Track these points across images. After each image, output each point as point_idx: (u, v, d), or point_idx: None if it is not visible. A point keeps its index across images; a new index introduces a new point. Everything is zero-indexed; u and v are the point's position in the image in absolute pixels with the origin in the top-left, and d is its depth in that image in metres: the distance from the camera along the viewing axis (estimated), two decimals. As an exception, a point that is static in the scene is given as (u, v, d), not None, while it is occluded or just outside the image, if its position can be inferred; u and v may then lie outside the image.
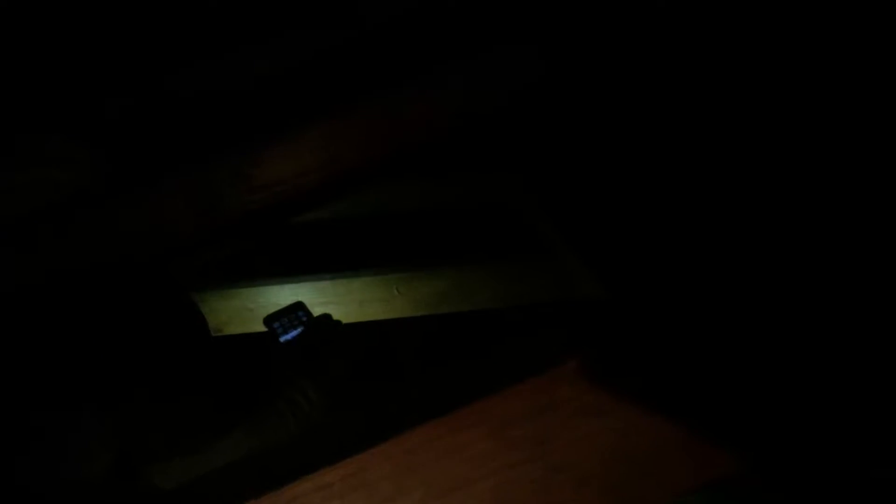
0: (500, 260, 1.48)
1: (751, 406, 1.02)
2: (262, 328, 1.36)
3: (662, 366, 0.98)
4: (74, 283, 1.20)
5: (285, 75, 1.36)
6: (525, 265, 1.48)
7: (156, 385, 1.16)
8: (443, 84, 1.26)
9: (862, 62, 1.21)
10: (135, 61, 1.31)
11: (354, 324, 1.40)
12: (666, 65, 1.37)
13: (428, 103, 1.28)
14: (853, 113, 1.24)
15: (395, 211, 1.54)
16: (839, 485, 0.99)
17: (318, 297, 1.40)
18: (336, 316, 1.29)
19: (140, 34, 1.31)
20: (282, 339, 1.29)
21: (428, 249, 1.51)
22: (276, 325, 1.30)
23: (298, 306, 1.31)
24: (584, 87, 1.40)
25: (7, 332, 1.12)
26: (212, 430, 1.15)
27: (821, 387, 1.07)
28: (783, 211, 1.26)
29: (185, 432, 1.14)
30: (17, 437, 1.06)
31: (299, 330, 1.29)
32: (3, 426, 1.07)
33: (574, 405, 0.91)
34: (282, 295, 1.42)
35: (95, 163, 1.27)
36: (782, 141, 1.31)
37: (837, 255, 1.18)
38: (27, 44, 1.26)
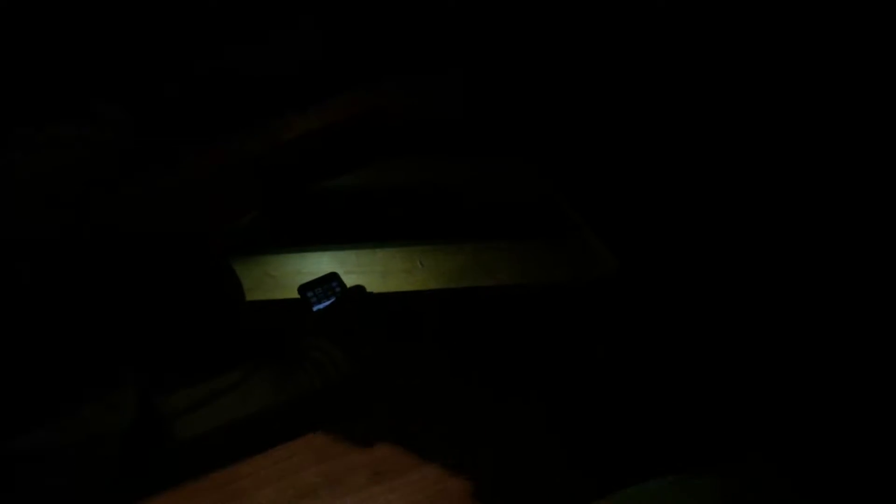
0: (522, 238, 1.50)
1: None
2: (284, 296, 1.37)
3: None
4: (118, 244, 1.20)
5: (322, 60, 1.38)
6: (546, 245, 1.49)
7: (187, 347, 1.19)
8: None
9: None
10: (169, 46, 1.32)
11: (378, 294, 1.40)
12: (666, 62, 1.40)
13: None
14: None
15: (418, 185, 1.56)
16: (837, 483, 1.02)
17: (341, 267, 1.40)
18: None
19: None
20: (315, 309, 1.31)
21: (451, 225, 1.53)
22: (309, 293, 1.32)
23: (332, 277, 1.34)
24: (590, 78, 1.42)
25: (45, 291, 1.12)
26: (232, 377, 1.15)
27: (821, 385, 1.10)
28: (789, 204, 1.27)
29: (204, 378, 1.14)
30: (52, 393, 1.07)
31: (332, 300, 1.30)
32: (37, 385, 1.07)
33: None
34: (305, 264, 1.43)
35: (137, 127, 1.27)
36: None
37: (840, 253, 1.19)
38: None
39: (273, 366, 1.19)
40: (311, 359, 1.19)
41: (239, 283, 1.36)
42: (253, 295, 1.39)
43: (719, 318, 1.35)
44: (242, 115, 1.37)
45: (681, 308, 1.39)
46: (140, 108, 1.29)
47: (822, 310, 1.27)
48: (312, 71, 1.44)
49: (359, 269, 1.43)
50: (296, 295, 1.33)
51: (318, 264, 1.43)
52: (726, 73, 1.41)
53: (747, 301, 1.35)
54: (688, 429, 1.16)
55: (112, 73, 1.29)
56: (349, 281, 1.33)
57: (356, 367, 1.20)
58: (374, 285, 1.42)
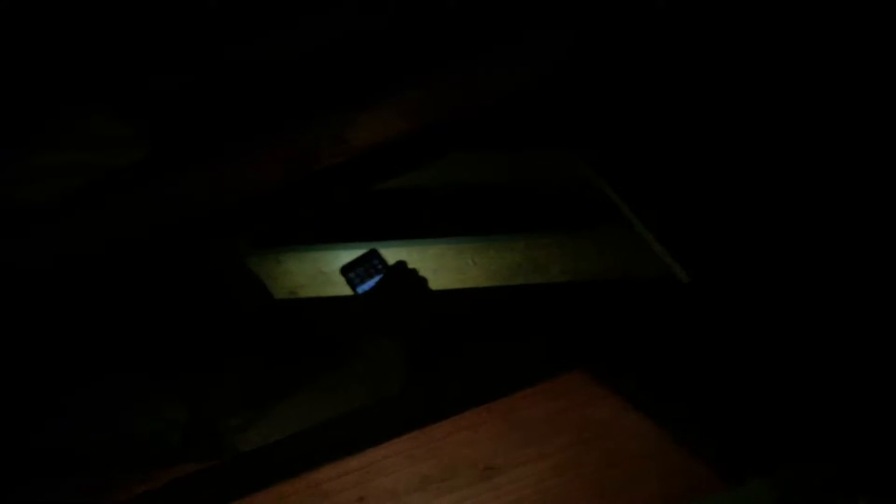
0: (573, 234, 1.46)
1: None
2: (336, 292, 1.45)
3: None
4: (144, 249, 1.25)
5: (365, 42, 1.21)
6: (597, 241, 1.46)
7: (216, 351, 1.20)
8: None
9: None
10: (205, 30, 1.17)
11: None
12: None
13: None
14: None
15: (469, 183, 1.41)
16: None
17: (393, 264, 1.42)
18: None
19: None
20: (359, 290, 1.28)
21: (502, 221, 1.44)
22: (351, 275, 1.29)
23: (373, 254, 1.30)
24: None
25: (67, 299, 1.19)
26: (287, 388, 1.16)
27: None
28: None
29: (260, 392, 1.16)
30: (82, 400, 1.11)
31: (377, 279, 1.28)
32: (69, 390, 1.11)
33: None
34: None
35: (150, 136, 1.25)
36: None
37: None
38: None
39: (328, 370, 1.20)
40: (365, 358, 1.19)
41: (257, 284, 1.37)
42: (306, 291, 1.44)
43: (781, 319, 1.45)
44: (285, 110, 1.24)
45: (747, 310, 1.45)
46: (154, 114, 1.22)
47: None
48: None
49: (410, 265, 1.43)
50: (350, 291, 1.39)
51: (366, 252, 1.42)
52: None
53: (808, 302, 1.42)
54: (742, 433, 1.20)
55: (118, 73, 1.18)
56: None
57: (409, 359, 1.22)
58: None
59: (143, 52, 1.14)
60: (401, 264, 1.26)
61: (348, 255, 1.40)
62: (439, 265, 1.42)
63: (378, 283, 1.26)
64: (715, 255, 1.34)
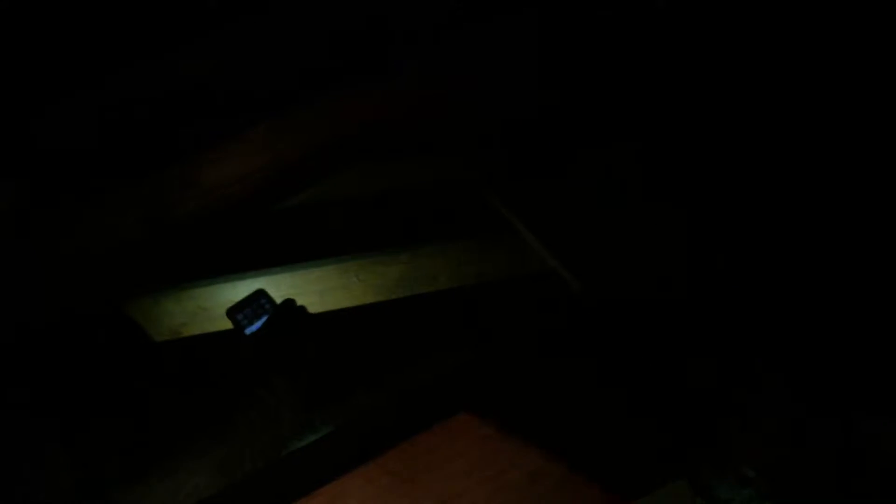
0: (456, 240, 1.45)
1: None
2: (220, 328, 1.40)
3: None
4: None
5: (221, 77, 1.18)
6: (480, 244, 1.46)
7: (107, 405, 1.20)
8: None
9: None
10: (65, 66, 1.16)
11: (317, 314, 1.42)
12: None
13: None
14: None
15: (343, 196, 1.38)
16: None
17: (277, 290, 1.37)
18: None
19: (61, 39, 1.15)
20: (247, 332, 1.23)
21: (383, 233, 1.43)
22: (239, 316, 1.23)
23: (260, 294, 1.25)
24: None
25: None
26: (181, 446, 1.10)
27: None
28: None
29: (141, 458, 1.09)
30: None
31: (264, 318, 1.23)
32: None
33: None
34: (237, 291, 1.38)
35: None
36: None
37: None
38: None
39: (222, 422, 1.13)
40: (257, 401, 1.14)
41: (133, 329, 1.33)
42: (189, 330, 1.39)
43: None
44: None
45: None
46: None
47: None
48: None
49: (294, 290, 1.40)
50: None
51: (252, 290, 1.38)
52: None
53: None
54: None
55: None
56: (287, 302, 1.32)
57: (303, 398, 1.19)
58: (312, 305, 1.40)
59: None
60: (289, 302, 1.20)
61: (230, 287, 1.36)
62: (324, 286, 1.39)
63: (266, 323, 1.19)
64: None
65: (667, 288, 1.34)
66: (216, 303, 1.37)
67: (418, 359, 1.46)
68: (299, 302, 1.21)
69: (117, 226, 1.22)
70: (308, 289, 1.39)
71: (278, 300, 1.21)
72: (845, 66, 1.25)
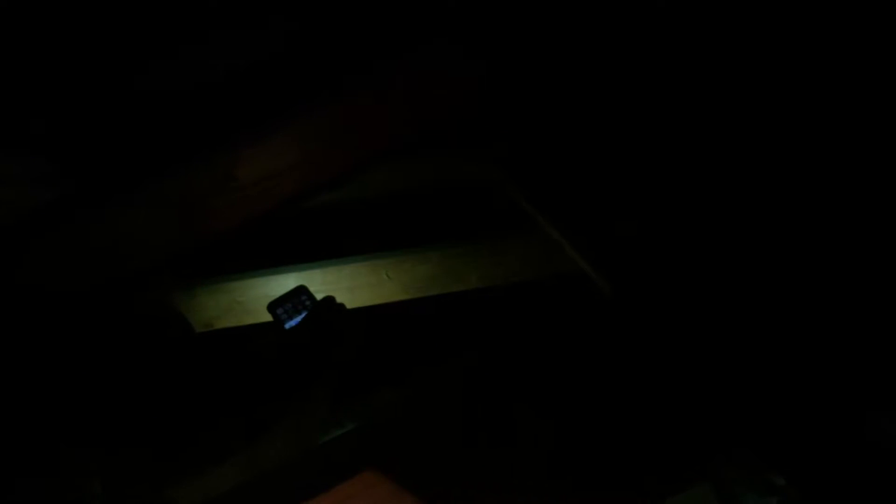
0: (487, 240, 1.45)
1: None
2: (253, 321, 1.43)
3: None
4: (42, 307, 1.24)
5: (254, 71, 1.20)
6: (511, 243, 1.46)
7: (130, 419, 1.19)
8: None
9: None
10: (93, 64, 1.18)
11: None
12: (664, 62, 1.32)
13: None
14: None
15: (376, 195, 1.41)
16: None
17: (308, 286, 1.40)
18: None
19: (92, 36, 1.17)
20: (287, 326, 1.26)
21: (415, 232, 1.44)
22: (279, 311, 1.27)
23: (301, 290, 1.28)
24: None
25: None
26: (215, 444, 1.16)
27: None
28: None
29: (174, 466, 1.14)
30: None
31: (303, 315, 1.26)
32: None
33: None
34: (271, 286, 1.41)
35: (47, 179, 1.23)
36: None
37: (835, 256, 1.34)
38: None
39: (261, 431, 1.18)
40: (296, 411, 1.19)
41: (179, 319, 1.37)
42: (221, 323, 1.43)
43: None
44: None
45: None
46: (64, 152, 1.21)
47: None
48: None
49: (325, 286, 1.42)
50: (266, 318, 1.38)
51: (284, 285, 1.41)
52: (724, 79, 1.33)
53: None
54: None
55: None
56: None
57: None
58: (342, 301, 1.44)
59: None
60: (328, 300, 1.23)
61: (263, 282, 1.39)
62: (354, 283, 1.41)
63: (305, 320, 1.23)
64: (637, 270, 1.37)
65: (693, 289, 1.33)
66: (249, 297, 1.41)
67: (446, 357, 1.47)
68: (330, 297, 1.22)
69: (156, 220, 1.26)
70: (339, 285, 1.41)
71: None
72: (845, 66, 1.25)
